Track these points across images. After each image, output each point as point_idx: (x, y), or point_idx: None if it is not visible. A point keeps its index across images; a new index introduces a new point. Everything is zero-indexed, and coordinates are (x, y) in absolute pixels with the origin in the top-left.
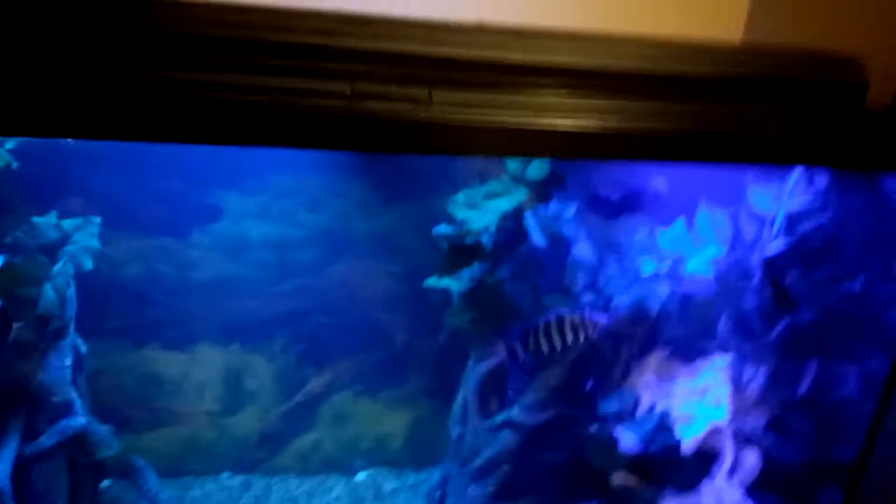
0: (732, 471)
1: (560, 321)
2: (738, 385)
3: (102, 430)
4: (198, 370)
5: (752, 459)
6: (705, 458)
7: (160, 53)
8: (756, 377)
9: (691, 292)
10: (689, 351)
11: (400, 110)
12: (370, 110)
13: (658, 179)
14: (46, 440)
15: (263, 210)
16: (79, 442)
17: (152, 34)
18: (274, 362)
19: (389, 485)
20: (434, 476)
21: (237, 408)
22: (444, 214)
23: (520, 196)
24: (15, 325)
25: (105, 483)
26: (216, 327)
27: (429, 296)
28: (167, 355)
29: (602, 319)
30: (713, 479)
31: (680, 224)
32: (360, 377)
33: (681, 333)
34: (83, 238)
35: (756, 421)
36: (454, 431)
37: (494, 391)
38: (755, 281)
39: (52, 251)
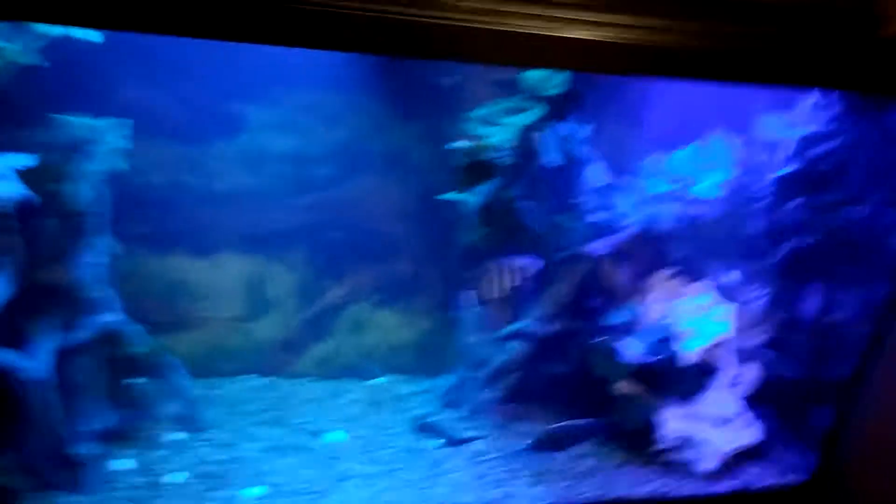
0: (733, 384)
1: (493, 270)
2: (740, 303)
3: (135, 327)
4: (222, 278)
5: (751, 374)
6: (706, 371)
7: None
8: (759, 297)
9: (698, 213)
10: (694, 270)
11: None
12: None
13: (672, 103)
14: (83, 333)
15: (283, 124)
16: (114, 338)
17: None
18: (294, 272)
19: (405, 389)
20: (449, 381)
21: (260, 314)
22: (461, 131)
23: (538, 112)
24: (51, 221)
25: (138, 380)
26: (239, 237)
27: (442, 212)
28: (193, 263)
29: (532, 264)
30: (713, 390)
31: (692, 147)
32: (376, 289)
33: (686, 253)
34: (114, 139)
35: (757, 338)
36: (466, 340)
37: (505, 304)
38: (762, 204)
39: (84, 150)
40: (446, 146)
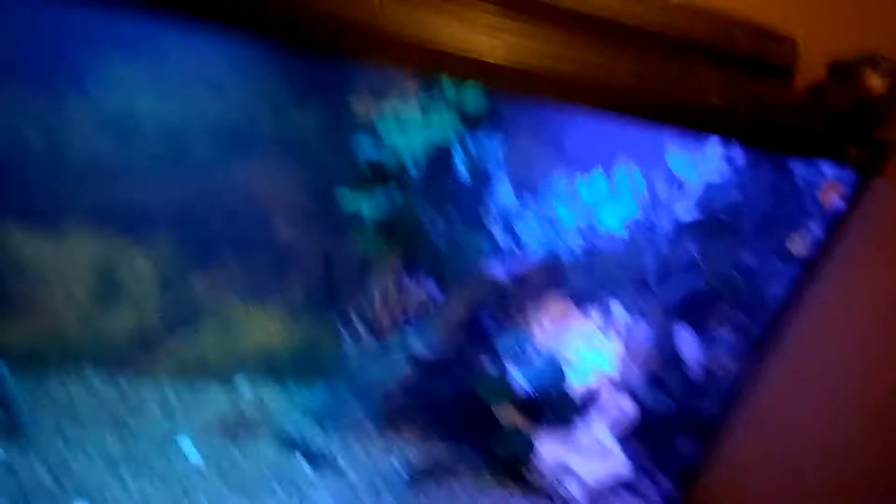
0: (607, 416)
1: (385, 282)
2: (623, 336)
3: None
4: (67, 257)
5: (626, 406)
6: (585, 402)
7: None
8: (641, 331)
9: (600, 246)
10: (585, 299)
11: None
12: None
13: (587, 128)
14: None
15: (159, 85)
16: None
17: None
18: (153, 257)
19: (270, 396)
20: (317, 392)
21: (109, 301)
22: (369, 130)
23: (454, 127)
24: None
25: None
26: (92, 212)
27: (335, 211)
28: (32, 237)
29: (425, 282)
30: (588, 420)
31: (600, 176)
32: (248, 282)
33: (581, 283)
34: None
35: (635, 371)
36: (345, 350)
37: (392, 319)
38: (658, 242)
39: None
40: (349, 143)
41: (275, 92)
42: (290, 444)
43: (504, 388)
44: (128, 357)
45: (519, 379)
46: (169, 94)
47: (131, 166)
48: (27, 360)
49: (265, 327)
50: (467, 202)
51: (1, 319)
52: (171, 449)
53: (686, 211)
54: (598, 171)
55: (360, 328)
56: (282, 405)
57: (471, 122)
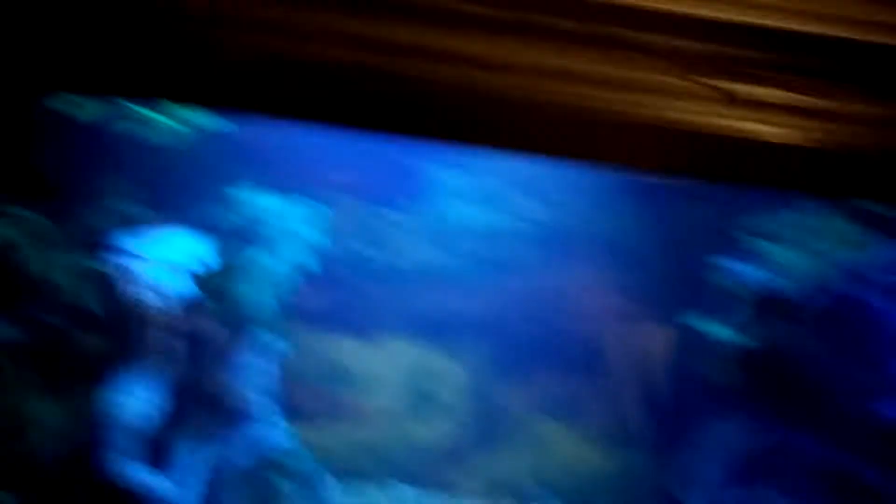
0: None
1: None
2: None
3: (295, 443)
4: (386, 366)
5: None
6: None
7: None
8: None
9: None
10: None
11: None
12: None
13: None
14: (242, 459)
15: (483, 195)
16: (275, 462)
17: None
18: (470, 367)
19: None
20: None
21: (423, 413)
22: (743, 244)
23: (860, 240)
24: (218, 329)
25: (284, 487)
26: (410, 320)
27: (678, 331)
28: (358, 346)
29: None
30: None
31: None
32: (563, 400)
33: None
34: (309, 231)
35: None
36: (679, 495)
37: (735, 460)
38: None
39: (266, 240)
40: (707, 257)
41: (611, 194)
42: None
43: None
44: (434, 470)
45: None
46: (495, 204)
47: (456, 276)
48: (345, 467)
49: (583, 453)
50: (866, 331)
51: (327, 424)
52: None
53: None
54: None
55: (695, 468)
56: None
57: (886, 229)
